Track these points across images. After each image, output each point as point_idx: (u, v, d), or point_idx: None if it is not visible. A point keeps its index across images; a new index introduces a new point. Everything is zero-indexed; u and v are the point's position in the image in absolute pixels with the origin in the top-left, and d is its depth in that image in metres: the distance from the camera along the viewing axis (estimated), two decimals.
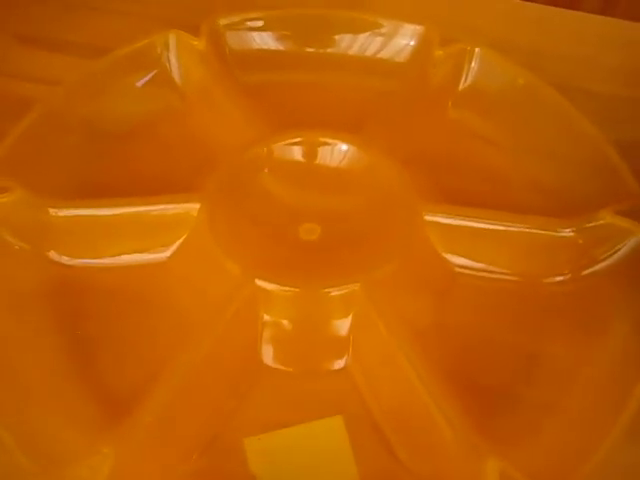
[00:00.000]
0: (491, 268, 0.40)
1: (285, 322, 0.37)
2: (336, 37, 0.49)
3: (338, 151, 0.42)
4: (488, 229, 0.40)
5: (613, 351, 0.36)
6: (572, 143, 0.44)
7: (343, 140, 0.42)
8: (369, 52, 0.49)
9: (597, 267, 0.39)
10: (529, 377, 0.36)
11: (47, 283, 0.38)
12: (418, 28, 0.48)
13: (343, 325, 0.36)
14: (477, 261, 0.40)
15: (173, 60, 0.46)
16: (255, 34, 0.48)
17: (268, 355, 0.36)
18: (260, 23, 0.49)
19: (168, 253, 0.39)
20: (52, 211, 0.39)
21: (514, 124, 0.46)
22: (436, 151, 0.45)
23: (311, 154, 0.42)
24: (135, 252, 0.40)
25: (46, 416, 0.33)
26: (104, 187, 0.42)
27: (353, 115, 0.45)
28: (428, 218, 0.39)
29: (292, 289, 0.36)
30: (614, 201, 0.40)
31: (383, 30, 0.49)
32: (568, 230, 0.39)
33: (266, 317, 0.36)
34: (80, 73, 0.45)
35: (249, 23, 0.48)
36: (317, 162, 0.42)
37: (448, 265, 0.40)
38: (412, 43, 0.48)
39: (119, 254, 0.39)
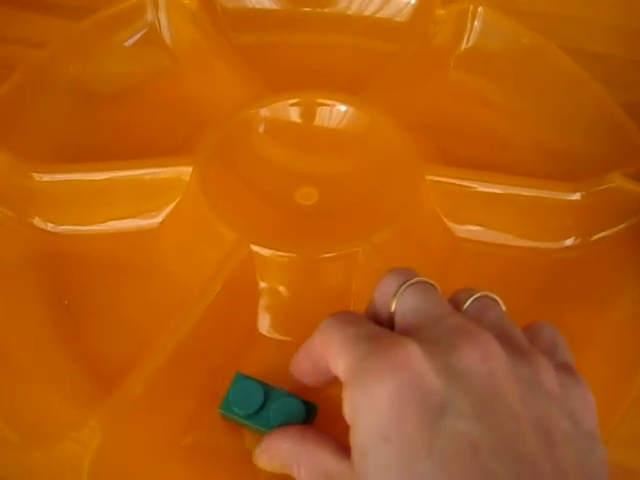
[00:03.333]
0: (495, 233, 0.38)
1: (282, 289, 0.35)
2: None
3: (337, 112, 0.41)
4: (492, 192, 0.38)
5: (623, 317, 0.35)
6: (579, 104, 0.42)
7: (342, 101, 0.40)
8: (368, 11, 0.47)
9: (606, 232, 0.38)
10: None
11: (32, 251, 0.37)
12: None
13: (343, 291, 0.35)
14: (481, 226, 0.38)
15: (163, 19, 0.45)
16: None
17: (264, 324, 0.35)
18: None
19: (159, 219, 0.38)
20: (36, 176, 0.37)
21: (518, 85, 0.44)
22: (438, 113, 0.43)
23: (308, 115, 0.41)
24: (125, 218, 0.38)
25: (33, 388, 0.32)
26: (92, 151, 0.40)
27: (352, 76, 0.43)
28: (430, 180, 0.38)
29: (289, 254, 0.35)
30: (623, 164, 0.38)
31: None
32: (576, 194, 0.38)
33: (262, 284, 0.35)
34: (67, 33, 0.44)
35: None
36: (315, 124, 0.41)
37: (450, 230, 0.38)
38: (413, 2, 0.47)
39: (107, 220, 0.38)
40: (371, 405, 0.23)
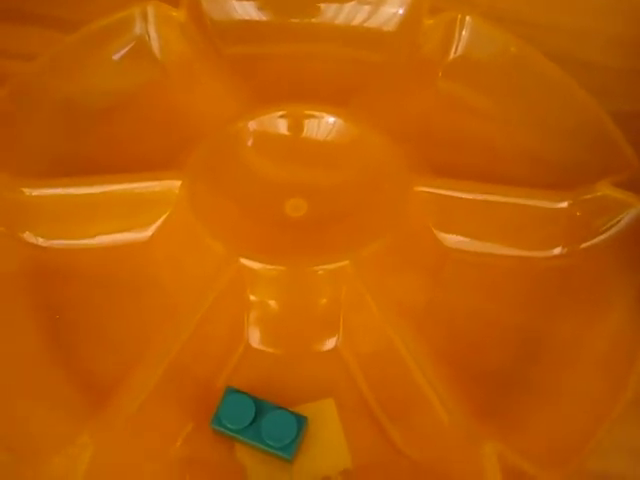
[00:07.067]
0: (485, 243, 0.39)
1: (272, 302, 0.35)
2: (321, 6, 0.47)
3: (325, 124, 0.41)
4: (481, 202, 0.38)
5: (614, 326, 0.35)
6: (567, 113, 0.42)
7: (330, 112, 0.41)
8: (356, 21, 0.47)
9: (595, 240, 0.38)
10: (527, 357, 0.35)
11: (23, 266, 0.37)
12: None
13: (333, 304, 0.35)
14: (470, 236, 0.39)
15: (152, 32, 0.45)
16: (237, 4, 0.47)
17: (255, 337, 0.35)
18: None
19: (149, 233, 0.38)
20: (26, 191, 0.37)
21: (507, 94, 0.44)
22: (426, 123, 0.43)
23: (297, 127, 0.41)
24: (115, 232, 0.38)
25: (23, 404, 0.32)
26: (81, 165, 0.40)
27: (340, 87, 0.43)
28: (419, 192, 0.38)
29: (278, 268, 0.35)
30: (611, 172, 0.38)
31: None
32: (565, 202, 0.38)
33: (252, 297, 0.35)
34: (55, 47, 0.43)
35: None
36: (303, 136, 0.41)
37: (440, 241, 0.38)
38: (400, 12, 0.47)
39: (98, 234, 0.38)
40: None
